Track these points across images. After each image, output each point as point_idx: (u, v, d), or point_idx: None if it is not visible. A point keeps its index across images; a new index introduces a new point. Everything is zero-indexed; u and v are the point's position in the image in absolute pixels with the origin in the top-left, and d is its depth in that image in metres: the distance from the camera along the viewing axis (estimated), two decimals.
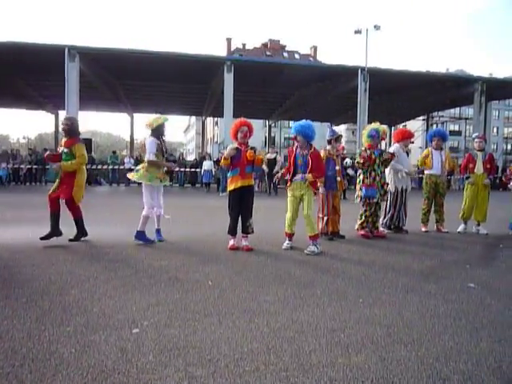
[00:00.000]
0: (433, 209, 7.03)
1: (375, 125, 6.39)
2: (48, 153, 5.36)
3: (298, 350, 2.36)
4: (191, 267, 4.18)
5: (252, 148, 5.18)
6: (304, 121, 5.26)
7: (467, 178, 6.91)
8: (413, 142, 7.04)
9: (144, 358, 2.25)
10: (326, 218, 5.95)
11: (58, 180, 5.40)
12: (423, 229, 6.95)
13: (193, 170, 21.14)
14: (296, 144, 5.27)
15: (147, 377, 2.05)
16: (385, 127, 6.55)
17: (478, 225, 6.89)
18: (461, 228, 6.91)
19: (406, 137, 6.84)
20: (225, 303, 3.12)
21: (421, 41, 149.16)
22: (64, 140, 5.38)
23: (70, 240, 5.30)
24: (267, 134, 39.45)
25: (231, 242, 5.20)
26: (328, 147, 6.11)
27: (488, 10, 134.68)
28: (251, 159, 5.06)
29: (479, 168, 6.79)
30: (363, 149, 6.30)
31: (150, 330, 2.61)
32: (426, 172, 7.08)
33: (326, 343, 2.47)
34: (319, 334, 2.59)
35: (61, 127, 5.37)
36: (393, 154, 6.30)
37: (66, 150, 5.28)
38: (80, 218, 5.39)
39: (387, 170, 6.56)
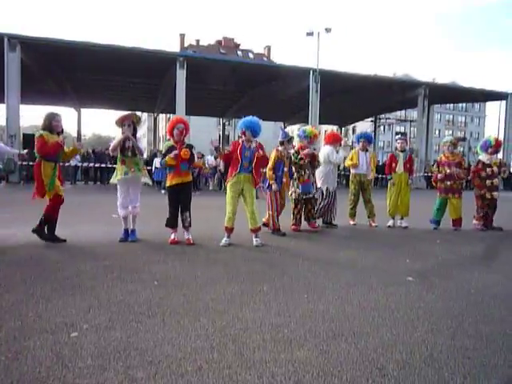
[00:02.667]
0: (363, 205, 7.65)
1: (307, 127, 6.98)
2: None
3: (242, 347, 2.37)
4: (137, 267, 4.08)
5: (188, 146, 5.25)
6: (251, 117, 5.48)
7: (389, 178, 7.55)
8: (340, 145, 7.63)
9: (82, 362, 2.16)
10: (275, 215, 6.13)
11: (53, 176, 5.01)
12: (351, 222, 7.61)
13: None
14: (243, 138, 5.45)
15: (84, 381, 1.98)
16: (315, 131, 6.91)
17: (401, 218, 7.53)
18: (390, 223, 7.51)
19: (337, 140, 7.36)
20: (170, 303, 3.07)
21: (370, 44, 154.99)
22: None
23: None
24: (221, 133, 39.27)
25: (172, 236, 5.33)
26: (280, 148, 6.29)
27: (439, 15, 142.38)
28: (185, 157, 5.15)
29: (400, 167, 7.41)
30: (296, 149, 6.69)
31: (89, 333, 2.52)
32: (352, 171, 7.68)
33: (270, 339, 2.50)
34: (264, 331, 2.62)
35: (57, 124, 5.08)
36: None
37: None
38: None
39: (317, 172, 6.98)
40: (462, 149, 59.48)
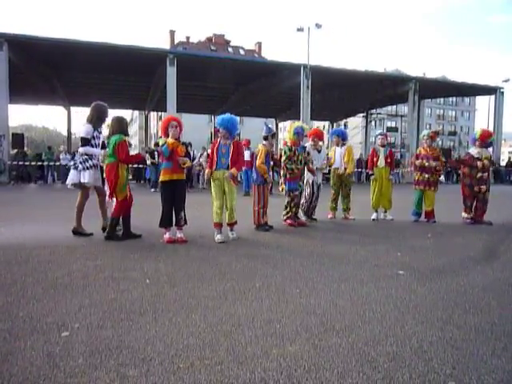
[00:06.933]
0: (340, 199, 7.75)
1: (299, 123, 6.98)
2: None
3: (234, 343, 2.38)
4: (128, 265, 4.06)
5: (184, 143, 5.43)
6: (227, 115, 5.52)
7: (371, 174, 7.73)
8: (322, 140, 7.69)
9: (73, 361, 2.15)
10: (261, 210, 6.20)
11: (127, 177, 5.36)
12: (329, 216, 7.71)
13: (135, 165, 20.43)
14: (219, 135, 5.52)
15: (75, 380, 1.97)
16: (307, 126, 7.02)
17: (385, 212, 7.72)
18: (373, 216, 7.65)
19: (318, 137, 7.34)
20: (162, 301, 3.07)
21: (361, 40, 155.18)
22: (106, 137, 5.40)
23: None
24: (213, 130, 39.11)
25: (167, 236, 5.26)
26: (265, 143, 6.38)
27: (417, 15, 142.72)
28: (182, 154, 5.19)
29: (382, 162, 7.60)
30: (287, 147, 6.67)
31: (81, 332, 2.51)
32: (332, 166, 7.79)
33: (262, 334, 2.51)
34: (256, 326, 2.63)
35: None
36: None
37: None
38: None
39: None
40: (452, 143, 59.90)
